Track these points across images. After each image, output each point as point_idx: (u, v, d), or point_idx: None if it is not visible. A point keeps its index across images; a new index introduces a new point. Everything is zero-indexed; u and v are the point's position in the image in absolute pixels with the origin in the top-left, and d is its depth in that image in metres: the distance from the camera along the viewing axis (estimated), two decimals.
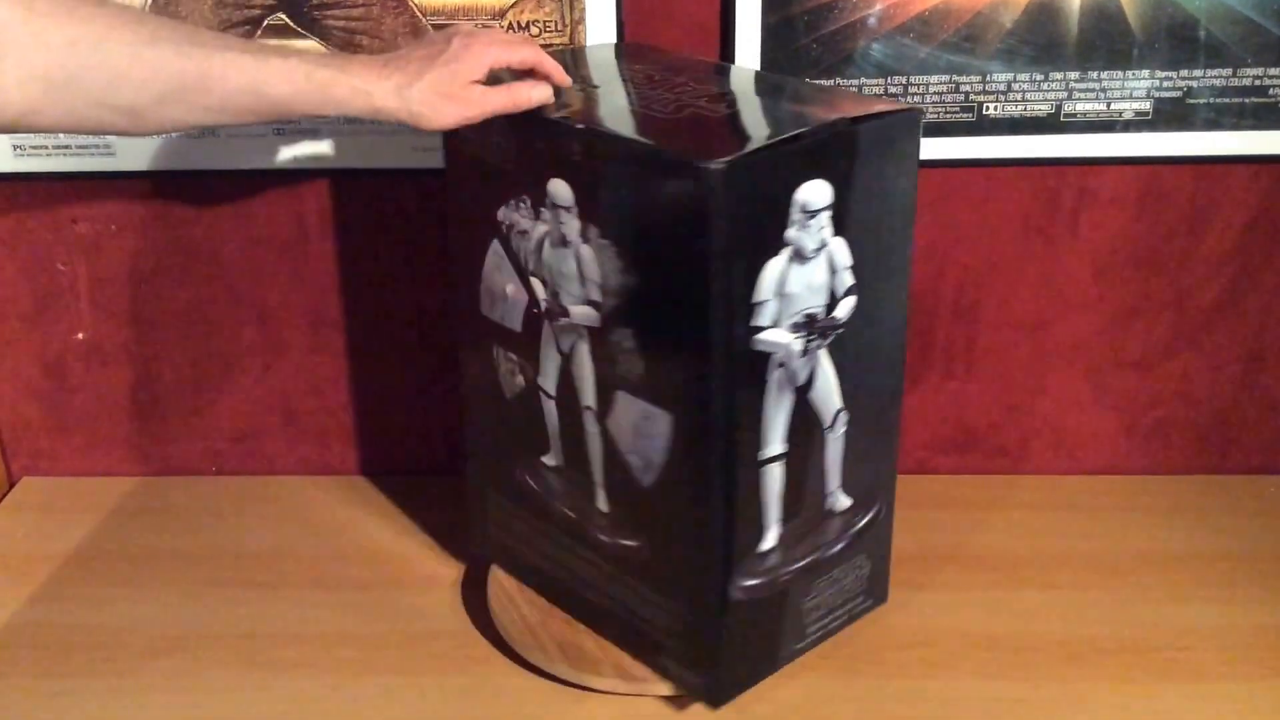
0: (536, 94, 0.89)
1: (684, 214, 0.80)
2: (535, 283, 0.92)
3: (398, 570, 1.14)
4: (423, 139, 1.14)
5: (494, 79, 0.89)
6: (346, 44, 1.12)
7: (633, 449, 0.90)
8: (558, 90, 0.91)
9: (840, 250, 0.86)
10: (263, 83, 0.84)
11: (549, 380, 0.94)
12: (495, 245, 0.94)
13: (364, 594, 1.12)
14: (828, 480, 0.93)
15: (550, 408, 0.95)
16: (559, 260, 0.89)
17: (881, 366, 0.95)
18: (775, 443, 0.88)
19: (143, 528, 1.22)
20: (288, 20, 1.11)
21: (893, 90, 1.12)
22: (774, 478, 0.89)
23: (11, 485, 1.30)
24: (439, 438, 1.28)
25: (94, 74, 0.80)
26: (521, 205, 0.90)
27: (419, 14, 1.11)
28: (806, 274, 0.84)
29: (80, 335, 1.25)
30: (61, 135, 1.15)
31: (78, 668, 1.03)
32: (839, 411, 0.91)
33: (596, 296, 0.88)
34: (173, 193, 1.19)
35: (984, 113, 1.14)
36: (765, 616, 0.93)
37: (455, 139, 0.94)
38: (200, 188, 1.19)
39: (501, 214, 0.92)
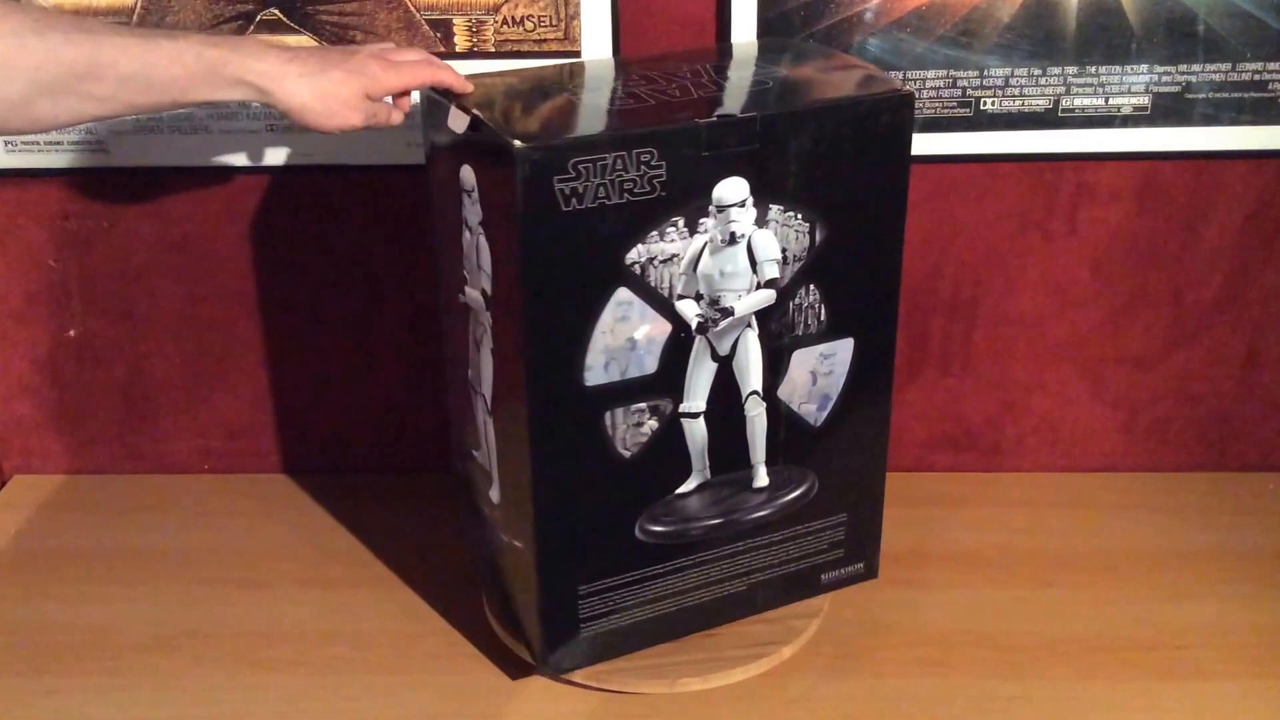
0: (395, 116, 0.93)
1: (883, 146, 0.92)
2: (685, 304, 0.91)
3: (390, 568, 1.14)
4: (417, 134, 1.14)
5: None
6: (339, 39, 1.11)
7: (808, 399, 0.98)
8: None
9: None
10: (153, 66, 0.82)
11: (698, 399, 0.94)
12: (619, 295, 0.88)
13: (356, 592, 1.11)
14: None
15: (696, 428, 0.95)
16: (722, 263, 0.90)
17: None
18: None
19: (135, 526, 1.21)
20: (281, 15, 1.11)
21: None
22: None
23: (3, 483, 1.29)
24: (433, 435, 1.27)
25: None
26: (669, 230, 0.88)
27: (413, 8, 1.11)
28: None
29: (72, 332, 1.24)
30: (54, 131, 1.15)
31: (69, 666, 1.03)
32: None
33: (774, 273, 0.92)
34: (165, 189, 1.19)
35: (981, 108, 1.13)
36: None
37: (549, 196, 0.83)
38: (193, 184, 1.18)
39: (634, 254, 0.88)
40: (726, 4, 1.09)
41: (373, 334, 1.24)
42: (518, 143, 0.82)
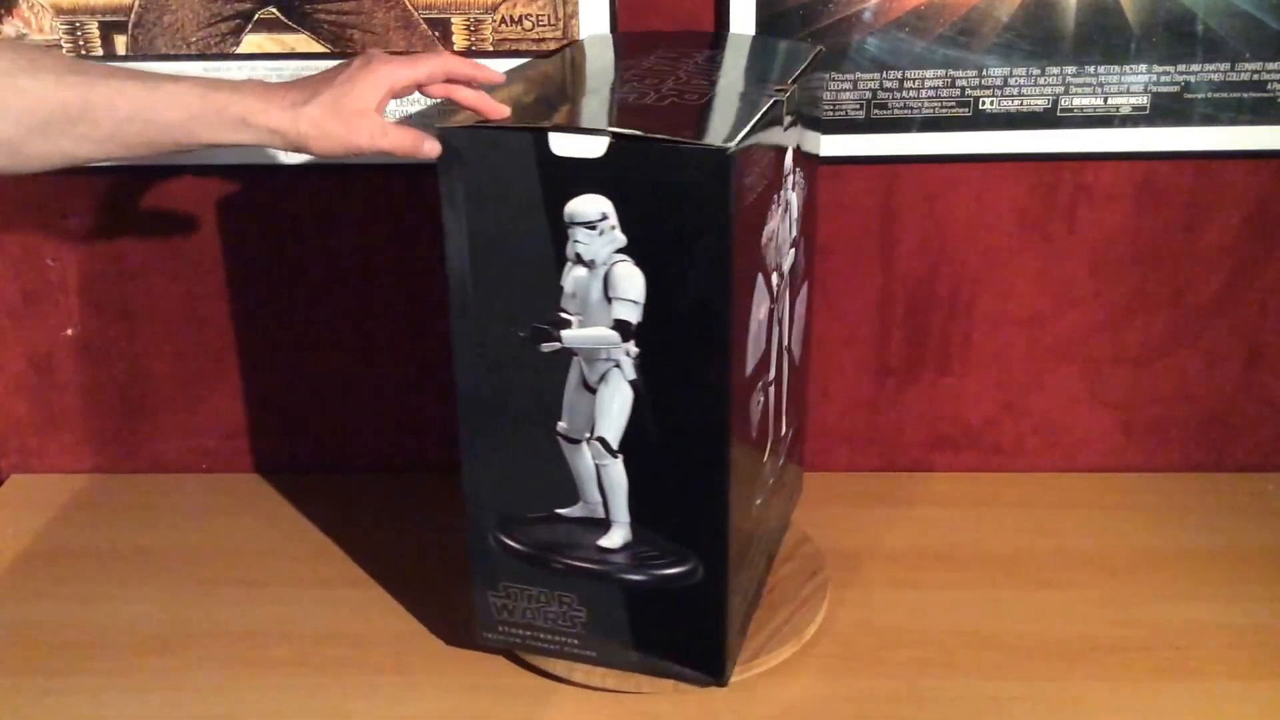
0: (428, 146, 0.87)
1: (817, 97, 1.05)
2: (775, 276, 0.91)
3: (389, 568, 1.14)
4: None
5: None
6: (337, 38, 1.11)
7: (800, 340, 1.06)
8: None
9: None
10: (152, 108, 0.80)
11: (773, 366, 0.95)
12: (759, 280, 0.89)
13: (355, 592, 1.11)
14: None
15: (772, 394, 0.96)
16: (784, 230, 0.93)
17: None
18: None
19: (132, 525, 1.21)
20: (278, 14, 1.11)
21: (888, 84, 1.12)
22: None
23: (0, 482, 1.29)
24: (431, 434, 1.27)
25: None
26: (775, 208, 0.89)
27: (410, 7, 1.11)
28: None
29: (70, 331, 1.24)
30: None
31: (67, 666, 1.02)
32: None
33: (797, 230, 0.98)
34: (163, 188, 1.18)
35: (980, 107, 1.13)
36: None
37: (742, 194, 0.82)
38: (190, 183, 1.18)
39: (764, 238, 0.88)
40: (725, 4, 1.09)
41: (372, 334, 1.24)
42: (730, 145, 0.79)
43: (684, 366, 0.86)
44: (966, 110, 1.13)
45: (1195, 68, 1.11)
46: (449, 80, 0.88)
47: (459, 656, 1.03)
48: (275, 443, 1.29)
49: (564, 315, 0.87)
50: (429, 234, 1.19)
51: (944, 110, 1.13)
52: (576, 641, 0.97)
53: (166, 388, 1.26)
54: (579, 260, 0.85)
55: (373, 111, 0.85)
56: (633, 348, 0.87)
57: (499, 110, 0.85)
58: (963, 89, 1.12)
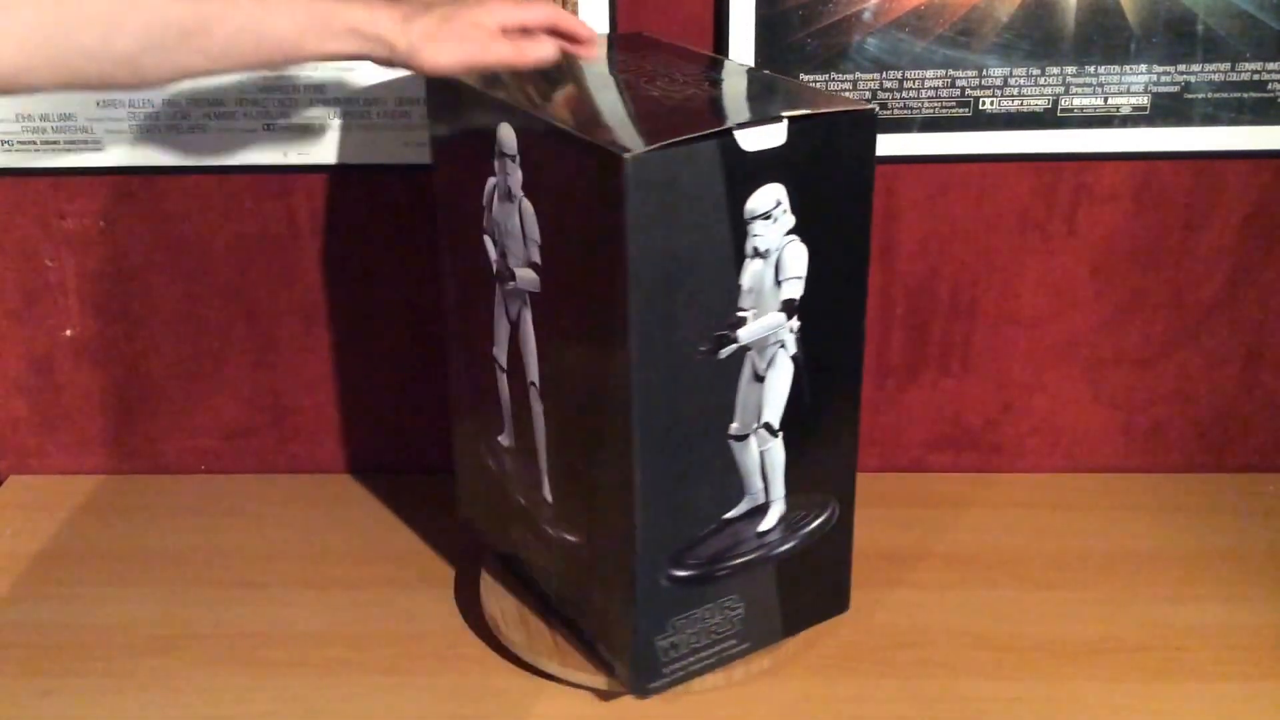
0: (539, 52, 0.88)
1: None
2: None
3: (388, 569, 1.14)
4: (415, 134, 1.14)
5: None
6: None
7: None
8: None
9: None
10: (263, 20, 0.81)
11: None
12: None
13: (355, 593, 1.11)
14: None
15: None
16: None
17: None
18: None
19: (131, 526, 1.21)
20: None
21: (888, 85, 1.12)
22: None
23: None
24: (430, 435, 1.27)
25: (85, 25, 0.77)
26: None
27: None
28: None
29: (69, 332, 1.24)
30: (49, 130, 1.14)
31: (66, 666, 1.02)
32: None
33: None
34: (162, 189, 1.18)
35: (980, 107, 1.13)
36: None
37: (871, 151, 0.87)
38: (189, 184, 1.18)
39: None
40: (725, 4, 1.09)
41: (371, 334, 1.24)
42: (874, 105, 0.87)
43: (835, 320, 0.90)
44: (966, 110, 1.13)
45: (1195, 68, 1.11)
46: (552, 31, 0.89)
47: (460, 656, 1.03)
48: (275, 443, 1.29)
49: (739, 314, 0.86)
50: (429, 234, 1.19)
51: (944, 110, 1.13)
52: (734, 642, 0.96)
53: (166, 388, 1.26)
54: (756, 254, 0.85)
55: (485, 26, 0.86)
56: (795, 322, 0.88)
57: (591, 38, 0.91)
58: (963, 89, 1.12)
